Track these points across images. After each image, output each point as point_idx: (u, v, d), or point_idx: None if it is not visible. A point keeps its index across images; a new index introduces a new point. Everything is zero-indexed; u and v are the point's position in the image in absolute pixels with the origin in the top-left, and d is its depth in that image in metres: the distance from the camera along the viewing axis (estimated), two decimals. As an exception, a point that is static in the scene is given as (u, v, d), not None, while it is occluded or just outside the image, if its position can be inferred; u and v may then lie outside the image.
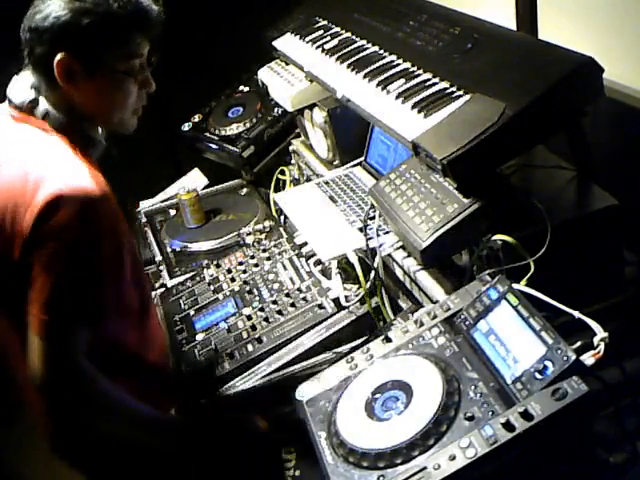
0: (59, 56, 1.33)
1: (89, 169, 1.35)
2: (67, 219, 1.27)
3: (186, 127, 2.52)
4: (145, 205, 2.47)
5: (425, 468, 1.02)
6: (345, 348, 1.59)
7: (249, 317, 1.74)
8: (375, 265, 1.58)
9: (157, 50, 1.43)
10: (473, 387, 1.12)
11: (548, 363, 1.06)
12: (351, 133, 1.97)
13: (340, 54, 1.81)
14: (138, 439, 1.44)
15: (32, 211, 1.28)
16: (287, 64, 2.15)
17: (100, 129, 1.48)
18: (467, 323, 1.22)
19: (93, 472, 1.44)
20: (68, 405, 1.33)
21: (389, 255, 1.56)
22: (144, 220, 2.39)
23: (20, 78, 1.42)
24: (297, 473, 1.35)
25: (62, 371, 1.32)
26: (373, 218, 1.58)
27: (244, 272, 1.92)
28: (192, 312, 1.85)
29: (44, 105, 1.39)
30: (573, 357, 1.04)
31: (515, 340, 1.13)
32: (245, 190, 2.46)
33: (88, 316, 1.34)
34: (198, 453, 1.44)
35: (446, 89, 1.44)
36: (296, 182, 2.29)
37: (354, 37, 1.86)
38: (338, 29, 1.95)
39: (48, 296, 1.29)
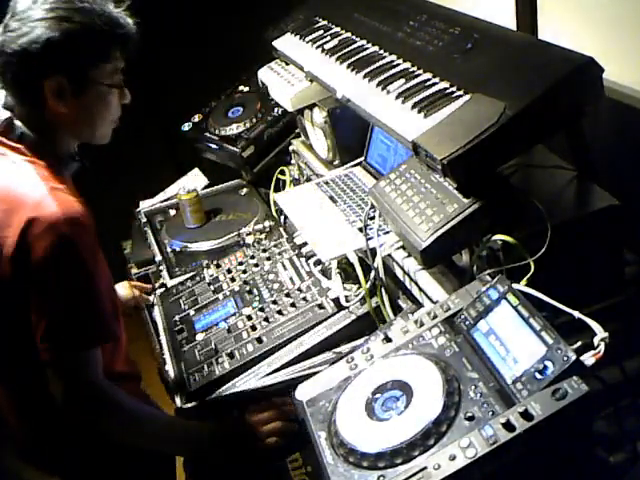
0: (51, 78, 1.34)
1: (63, 192, 1.36)
2: (47, 246, 1.29)
3: (186, 127, 2.52)
4: (145, 205, 2.47)
5: (425, 468, 1.02)
6: (345, 348, 1.60)
7: (249, 317, 1.74)
8: (375, 265, 1.58)
9: (127, 62, 1.47)
10: (473, 387, 1.12)
11: (548, 363, 1.06)
12: (351, 133, 1.96)
13: (340, 54, 1.80)
14: (157, 447, 1.50)
15: (12, 240, 1.30)
16: (287, 64, 2.14)
17: (74, 145, 1.49)
18: (467, 323, 1.22)
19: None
20: (90, 427, 1.41)
21: (389, 255, 1.56)
22: (144, 220, 2.38)
23: None
24: (309, 469, 1.35)
25: (78, 399, 1.35)
26: (373, 218, 1.58)
27: (244, 272, 1.92)
28: (192, 312, 1.85)
29: (19, 126, 1.40)
30: (573, 357, 1.04)
31: (515, 340, 1.13)
32: (245, 190, 2.46)
33: (89, 336, 1.36)
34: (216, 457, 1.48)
35: (446, 89, 1.44)
36: (296, 182, 2.29)
37: (354, 37, 1.86)
38: (338, 29, 1.95)
39: (45, 326, 1.32)
